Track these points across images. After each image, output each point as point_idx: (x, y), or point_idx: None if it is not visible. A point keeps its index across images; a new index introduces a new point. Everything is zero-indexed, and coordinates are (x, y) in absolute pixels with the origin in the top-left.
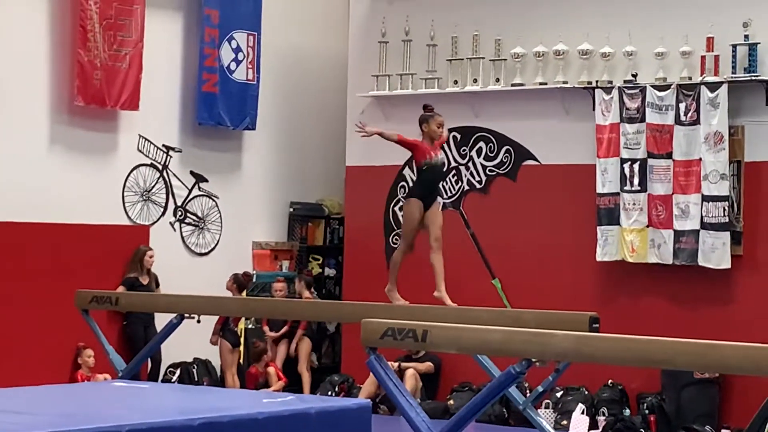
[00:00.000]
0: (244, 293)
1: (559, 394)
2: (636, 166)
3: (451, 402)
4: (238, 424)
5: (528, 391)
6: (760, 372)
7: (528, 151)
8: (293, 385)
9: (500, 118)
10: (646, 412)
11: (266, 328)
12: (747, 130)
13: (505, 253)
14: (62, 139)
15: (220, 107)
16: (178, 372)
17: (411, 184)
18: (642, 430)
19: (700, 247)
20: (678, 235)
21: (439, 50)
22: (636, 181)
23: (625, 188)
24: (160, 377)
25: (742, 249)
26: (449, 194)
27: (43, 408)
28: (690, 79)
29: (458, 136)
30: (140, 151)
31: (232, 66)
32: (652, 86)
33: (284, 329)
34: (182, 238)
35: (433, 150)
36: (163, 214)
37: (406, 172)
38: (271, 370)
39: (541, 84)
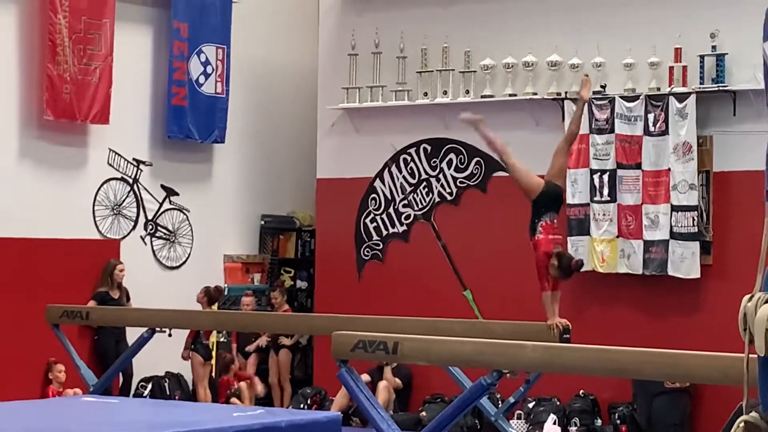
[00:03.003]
0: (215, 306)
1: (530, 405)
2: (605, 177)
3: (424, 414)
4: None
5: (500, 402)
6: (729, 381)
7: (498, 162)
8: (266, 397)
9: (470, 130)
10: (618, 422)
11: (234, 346)
12: (715, 140)
13: (477, 264)
14: (32, 154)
15: (189, 120)
16: (149, 386)
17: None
18: None
19: (669, 257)
20: (648, 245)
21: (408, 62)
22: (605, 191)
23: (595, 199)
24: (132, 392)
25: (711, 258)
26: (420, 206)
27: (13, 424)
28: (658, 89)
29: (429, 148)
30: (110, 165)
31: (201, 79)
32: (620, 97)
33: (253, 349)
34: (153, 251)
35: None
36: (134, 227)
37: (377, 184)
38: (243, 384)
39: (510, 95)
